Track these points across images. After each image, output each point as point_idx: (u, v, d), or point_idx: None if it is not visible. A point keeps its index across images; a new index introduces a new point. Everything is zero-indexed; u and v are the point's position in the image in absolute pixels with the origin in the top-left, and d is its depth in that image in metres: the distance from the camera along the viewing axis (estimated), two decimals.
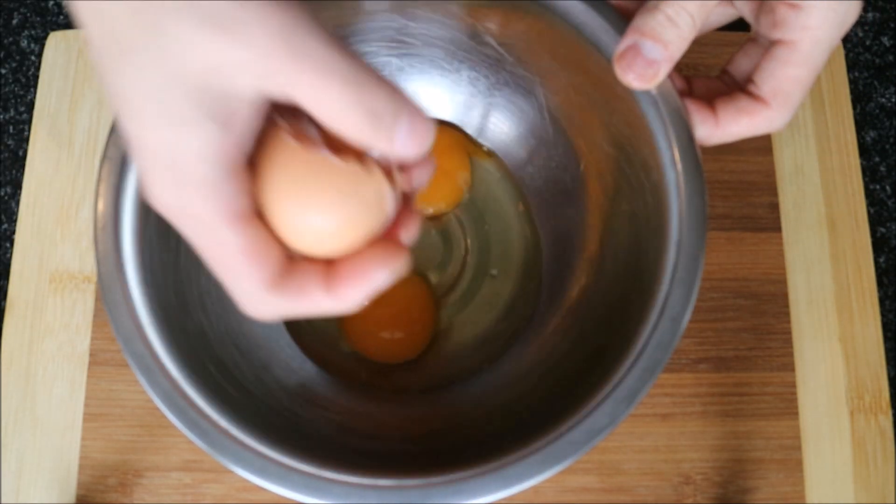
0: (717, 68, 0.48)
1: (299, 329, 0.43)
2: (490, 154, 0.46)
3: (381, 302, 0.41)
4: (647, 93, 0.34)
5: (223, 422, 0.31)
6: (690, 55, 0.48)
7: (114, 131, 0.33)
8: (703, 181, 0.34)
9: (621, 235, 0.38)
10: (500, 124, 0.45)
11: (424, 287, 0.44)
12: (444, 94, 0.45)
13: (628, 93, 0.35)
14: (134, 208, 0.33)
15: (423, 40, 0.42)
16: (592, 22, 0.35)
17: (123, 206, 0.33)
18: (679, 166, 0.34)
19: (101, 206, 0.33)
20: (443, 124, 0.46)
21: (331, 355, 0.43)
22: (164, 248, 0.35)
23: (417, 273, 0.44)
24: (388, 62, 0.43)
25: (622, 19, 0.35)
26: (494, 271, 0.45)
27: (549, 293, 0.43)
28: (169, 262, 0.35)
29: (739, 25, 0.53)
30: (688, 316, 0.32)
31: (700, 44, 0.49)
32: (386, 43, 0.42)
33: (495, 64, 0.42)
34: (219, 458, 0.30)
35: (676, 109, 0.34)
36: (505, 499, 0.31)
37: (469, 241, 0.45)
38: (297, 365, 0.41)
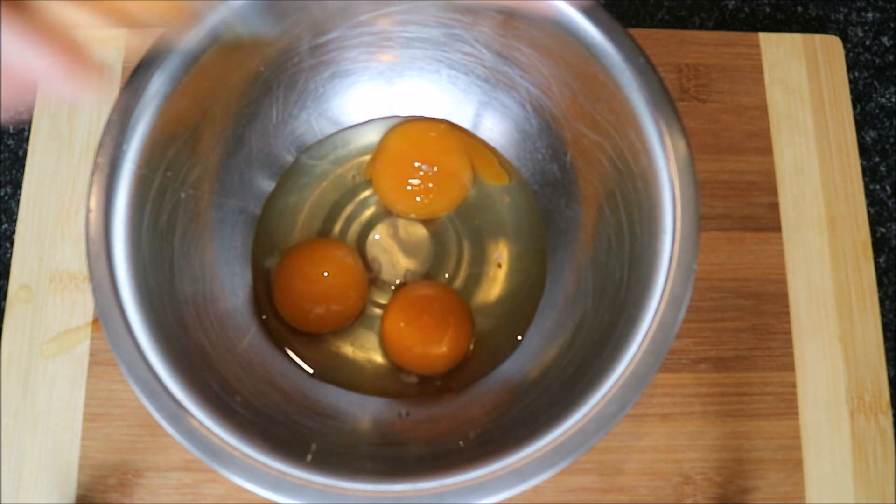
0: (717, 68, 0.49)
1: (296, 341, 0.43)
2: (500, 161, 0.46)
3: (310, 275, 0.42)
4: (629, 75, 0.34)
5: (233, 440, 0.31)
6: (691, 55, 0.49)
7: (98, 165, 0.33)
8: (692, 161, 0.34)
9: (613, 223, 0.38)
10: (485, 121, 0.45)
11: (353, 260, 0.44)
12: (431, 95, 0.45)
13: (610, 79, 0.35)
14: (125, 232, 0.33)
15: (400, 43, 0.42)
16: (569, 12, 0.35)
17: (114, 232, 0.33)
18: (668, 148, 0.34)
19: (92, 231, 0.33)
20: (442, 123, 0.46)
21: (332, 366, 0.43)
22: (159, 270, 0.35)
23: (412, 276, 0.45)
24: (367, 66, 0.43)
25: (598, 7, 0.35)
26: (490, 270, 0.45)
27: (548, 287, 0.43)
28: (164, 284, 0.35)
29: (738, 25, 0.53)
30: (688, 298, 0.32)
31: (700, 43, 0.49)
32: (365, 48, 0.42)
33: (474, 61, 0.42)
34: (231, 477, 0.31)
35: (660, 91, 0.34)
36: (506, 499, 0.31)
37: (462, 241, 0.45)
38: (300, 377, 0.41)
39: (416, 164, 0.44)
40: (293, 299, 0.42)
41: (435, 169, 0.44)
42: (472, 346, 0.43)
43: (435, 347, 0.42)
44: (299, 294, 0.42)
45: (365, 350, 0.43)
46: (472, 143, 0.45)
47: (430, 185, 0.44)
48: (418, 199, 0.44)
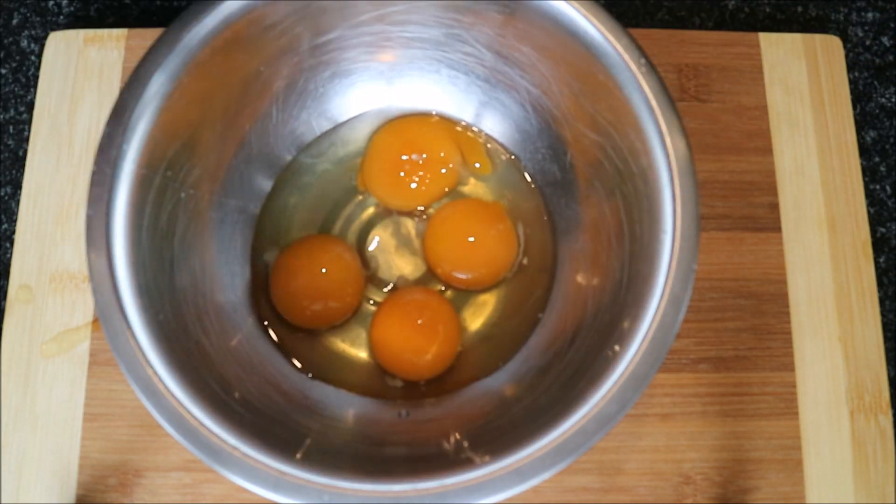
0: (717, 68, 0.49)
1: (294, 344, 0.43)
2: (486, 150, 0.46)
3: (308, 270, 0.42)
4: (629, 75, 0.34)
5: (233, 440, 0.31)
6: (691, 55, 0.49)
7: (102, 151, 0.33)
8: (692, 161, 0.34)
9: (613, 223, 0.38)
10: (485, 121, 0.45)
11: (351, 257, 0.44)
12: (431, 95, 0.45)
13: (610, 79, 0.35)
14: (125, 232, 0.33)
15: (400, 43, 0.42)
16: (570, 12, 0.35)
17: (114, 232, 0.33)
18: (668, 148, 0.34)
19: (92, 231, 0.33)
20: (425, 115, 0.46)
21: (326, 363, 0.43)
22: (159, 269, 0.35)
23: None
24: (367, 67, 0.43)
25: (598, 7, 0.35)
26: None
27: (552, 288, 0.43)
28: (164, 284, 0.35)
29: (738, 25, 0.53)
30: (688, 298, 0.32)
31: (700, 43, 0.49)
32: (365, 48, 0.42)
33: (474, 61, 0.42)
34: (231, 477, 0.31)
35: (660, 91, 0.34)
36: (506, 499, 0.31)
37: None
38: (299, 377, 0.41)
39: (405, 157, 0.44)
40: (291, 294, 0.43)
41: (423, 157, 0.44)
42: (459, 353, 0.43)
43: (420, 355, 0.42)
44: (297, 289, 0.42)
45: (357, 347, 0.43)
46: (458, 133, 0.46)
47: (421, 172, 0.44)
48: (411, 187, 0.44)
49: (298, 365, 0.42)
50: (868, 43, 0.52)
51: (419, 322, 0.42)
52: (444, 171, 0.45)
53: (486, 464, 0.31)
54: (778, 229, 0.46)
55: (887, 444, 0.43)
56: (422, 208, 0.45)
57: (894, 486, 0.43)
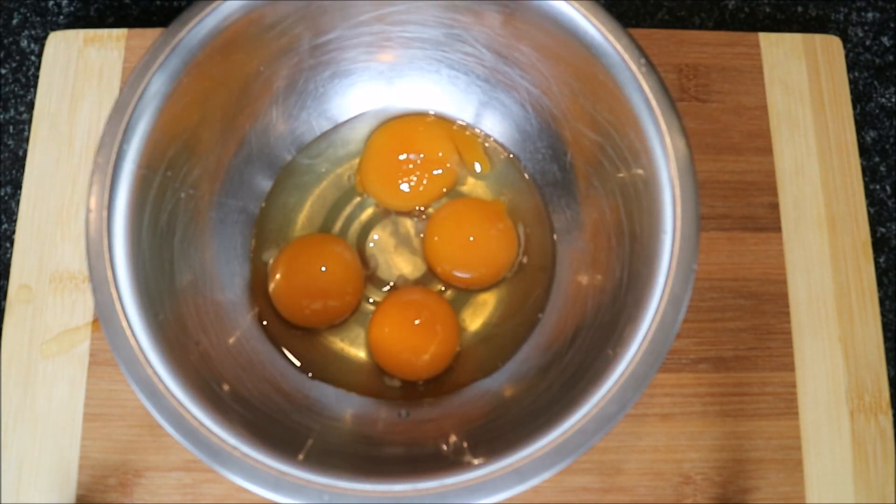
0: (717, 68, 0.49)
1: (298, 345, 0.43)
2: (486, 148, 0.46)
3: (308, 269, 0.42)
4: (629, 75, 0.34)
5: (233, 440, 0.31)
6: (690, 55, 0.49)
7: (101, 149, 0.33)
8: (692, 161, 0.34)
9: (613, 223, 0.38)
10: (485, 121, 0.45)
11: (351, 256, 0.44)
12: (431, 95, 0.45)
13: (610, 79, 0.35)
14: (125, 232, 0.33)
15: (400, 43, 0.42)
16: (570, 12, 0.35)
17: (115, 231, 0.33)
18: (668, 148, 0.34)
19: (92, 231, 0.33)
20: (422, 115, 0.46)
21: (324, 362, 0.43)
22: (159, 270, 0.35)
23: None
24: (367, 67, 0.43)
25: (598, 7, 0.35)
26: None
27: (552, 288, 0.43)
28: (164, 284, 0.35)
29: (738, 25, 0.53)
30: (688, 298, 0.32)
31: (700, 43, 0.49)
32: (365, 48, 0.42)
33: (474, 61, 0.42)
34: (231, 477, 0.31)
35: (660, 91, 0.34)
36: (506, 499, 0.31)
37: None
38: (299, 377, 0.41)
39: (402, 157, 0.44)
40: (290, 293, 0.43)
41: (420, 157, 0.44)
42: (458, 354, 0.43)
43: (418, 355, 0.42)
44: (296, 288, 0.42)
45: (356, 347, 0.43)
46: (455, 132, 0.45)
47: (418, 172, 0.44)
48: (409, 187, 0.44)
49: (297, 364, 0.42)
50: (868, 43, 0.52)
51: (417, 322, 0.42)
52: (441, 170, 0.45)
53: (486, 464, 0.31)
54: (778, 229, 0.46)
55: (887, 444, 0.43)
56: (421, 208, 0.45)
57: (894, 486, 0.43)
